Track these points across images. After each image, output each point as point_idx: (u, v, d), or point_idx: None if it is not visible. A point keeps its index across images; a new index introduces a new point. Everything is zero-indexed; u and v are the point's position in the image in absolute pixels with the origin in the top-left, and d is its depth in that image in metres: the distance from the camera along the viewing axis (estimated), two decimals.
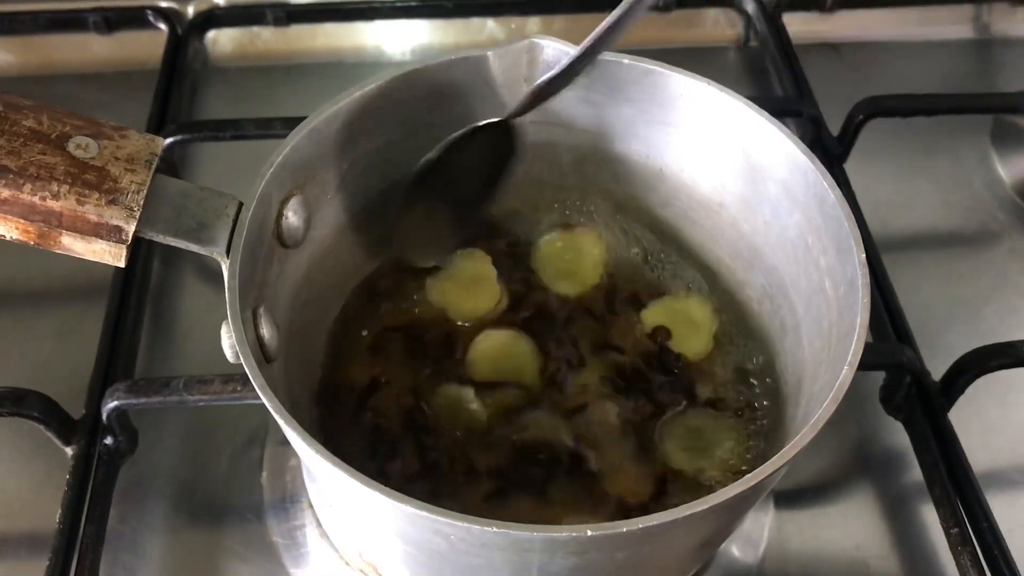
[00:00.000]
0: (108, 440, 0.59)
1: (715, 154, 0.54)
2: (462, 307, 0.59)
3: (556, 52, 0.52)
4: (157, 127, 0.77)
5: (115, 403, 0.57)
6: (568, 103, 0.55)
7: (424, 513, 0.36)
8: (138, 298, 0.67)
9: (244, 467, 0.61)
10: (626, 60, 0.52)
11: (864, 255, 0.44)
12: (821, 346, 0.47)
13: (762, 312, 0.56)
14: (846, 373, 0.40)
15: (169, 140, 0.72)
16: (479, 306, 0.59)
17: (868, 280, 0.43)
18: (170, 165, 0.75)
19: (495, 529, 0.36)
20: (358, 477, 0.37)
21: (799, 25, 0.90)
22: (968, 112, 0.80)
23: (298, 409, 0.52)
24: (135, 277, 0.68)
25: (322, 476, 0.43)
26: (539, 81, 0.52)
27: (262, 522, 0.59)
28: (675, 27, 0.92)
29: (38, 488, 0.60)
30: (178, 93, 0.82)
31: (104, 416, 0.58)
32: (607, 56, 0.52)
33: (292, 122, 0.68)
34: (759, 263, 0.55)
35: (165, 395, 0.56)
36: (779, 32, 0.88)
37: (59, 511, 0.56)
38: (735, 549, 0.58)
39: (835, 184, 0.47)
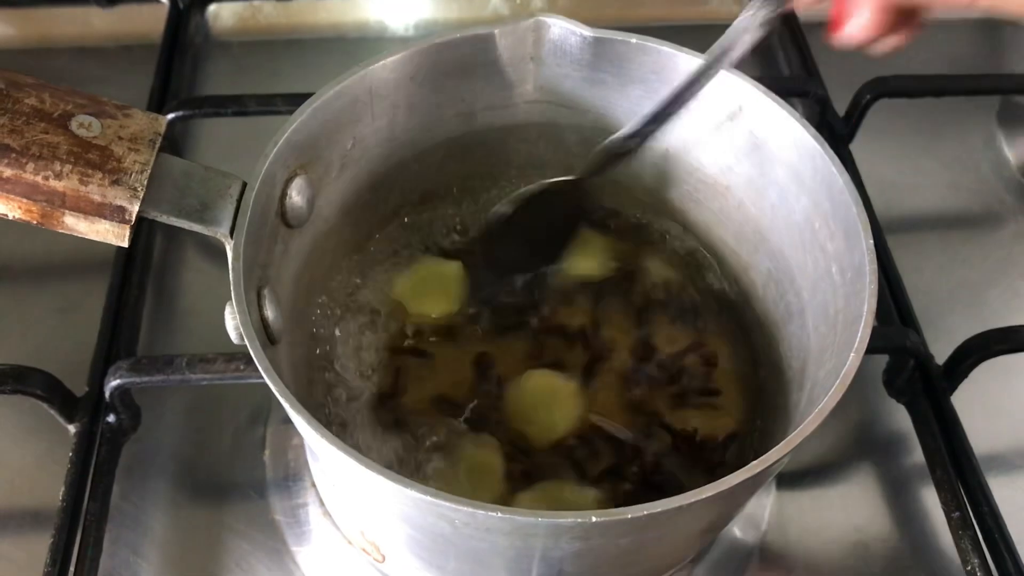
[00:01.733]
0: (111, 418, 0.59)
1: (722, 136, 0.54)
2: None
3: (562, 31, 0.52)
4: (159, 101, 0.77)
5: (118, 381, 0.57)
6: (574, 83, 0.55)
7: (428, 498, 0.36)
8: (141, 274, 0.67)
9: (247, 445, 0.61)
10: (633, 40, 0.52)
11: (872, 241, 0.44)
12: (826, 332, 0.47)
13: (767, 296, 0.55)
14: (852, 360, 0.40)
15: (171, 116, 0.72)
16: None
17: (876, 267, 0.43)
18: (171, 140, 0.74)
19: (500, 515, 0.36)
20: (362, 461, 0.37)
21: (807, 2, 0.88)
22: (976, 93, 0.80)
23: (301, 388, 0.52)
24: (137, 253, 0.67)
25: (326, 458, 0.43)
26: (609, 141, 0.53)
27: (264, 500, 0.59)
28: (681, 3, 0.92)
29: (41, 465, 0.60)
30: (179, 67, 0.81)
31: (107, 394, 0.58)
32: (614, 36, 0.52)
33: (294, 98, 0.69)
34: (765, 246, 0.55)
35: (168, 374, 0.56)
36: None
37: (62, 488, 0.56)
38: (737, 530, 0.58)
39: (843, 169, 0.46)
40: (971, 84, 0.79)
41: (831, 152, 0.48)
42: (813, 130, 0.48)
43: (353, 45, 0.88)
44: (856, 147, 0.76)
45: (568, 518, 0.36)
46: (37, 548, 0.54)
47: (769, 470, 0.38)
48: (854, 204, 0.45)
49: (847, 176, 0.46)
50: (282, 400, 0.39)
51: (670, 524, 0.40)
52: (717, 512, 0.44)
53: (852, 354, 0.41)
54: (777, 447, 0.38)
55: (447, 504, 0.36)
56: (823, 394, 0.40)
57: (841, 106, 0.77)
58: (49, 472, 0.58)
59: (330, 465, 0.46)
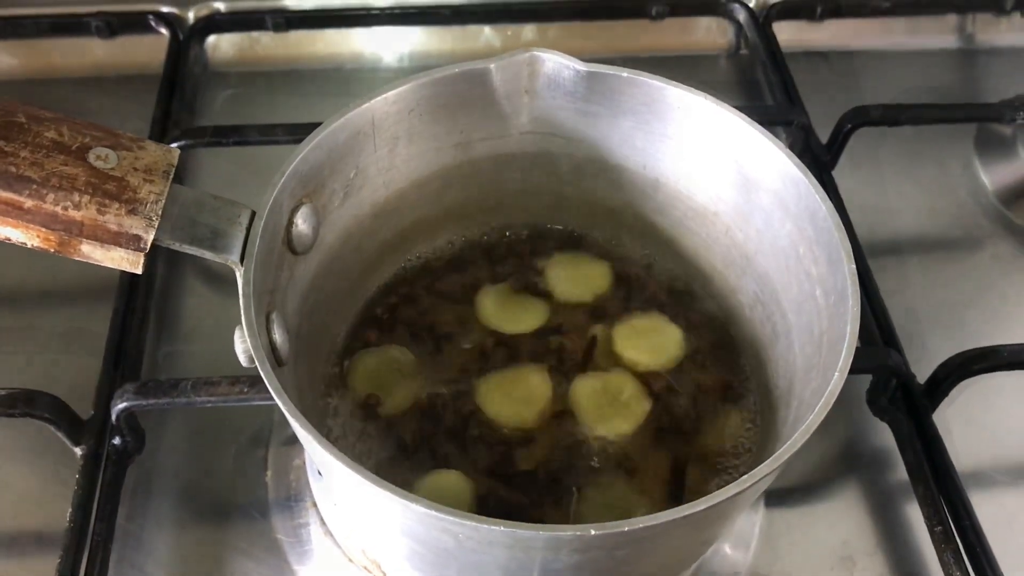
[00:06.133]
0: (116, 440, 0.60)
1: (710, 165, 0.56)
2: None
3: (556, 65, 0.54)
4: (160, 131, 0.78)
5: (124, 404, 0.58)
6: (567, 115, 0.57)
7: (434, 513, 0.37)
8: (144, 299, 0.68)
9: (249, 466, 0.62)
10: (625, 74, 0.54)
11: (854, 266, 0.46)
12: (812, 352, 0.49)
13: (754, 318, 0.57)
14: (836, 380, 0.42)
15: (173, 145, 0.73)
16: None
17: (858, 291, 0.45)
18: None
19: (502, 528, 0.37)
20: (371, 479, 0.38)
21: (789, 33, 0.91)
22: (952, 122, 0.82)
23: (307, 410, 0.53)
24: (141, 279, 0.68)
25: (333, 476, 0.44)
26: None
27: (267, 520, 0.60)
28: (667, 35, 0.94)
29: (48, 487, 0.61)
30: (179, 98, 0.82)
31: (113, 417, 0.59)
32: (606, 70, 0.54)
33: (293, 129, 0.70)
34: (751, 270, 0.56)
35: (173, 396, 0.57)
36: (769, 40, 0.90)
37: (69, 509, 0.56)
38: (727, 546, 0.59)
39: (826, 197, 0.48)
40: (948, 113, 0.82)
41: (814, 180, 0.49)
42: (797, 159, 0.50)
43: (349, 76, 0.89)
44: (838, 173, 0.78)
45: (567, 531, 0.37)
46: (45, 569, 0.55)
47: (760, 483, 0.40)
48: (836, 230, 0.47)
49: (830, 204, 0.48)
50: (292, 420, 0.41)
51: (666, 535, 0.41)
52: (710, 525, 0.45)
53: (836, 374, 0.42)
54: (766, 462, 0.40)
55: (451, 519, 0.37)
56: (809, 412, 0.42)
57: (823, 134, 0.79)
58: (56, 494, 0.59)
59: (336, 482, 0.47)
